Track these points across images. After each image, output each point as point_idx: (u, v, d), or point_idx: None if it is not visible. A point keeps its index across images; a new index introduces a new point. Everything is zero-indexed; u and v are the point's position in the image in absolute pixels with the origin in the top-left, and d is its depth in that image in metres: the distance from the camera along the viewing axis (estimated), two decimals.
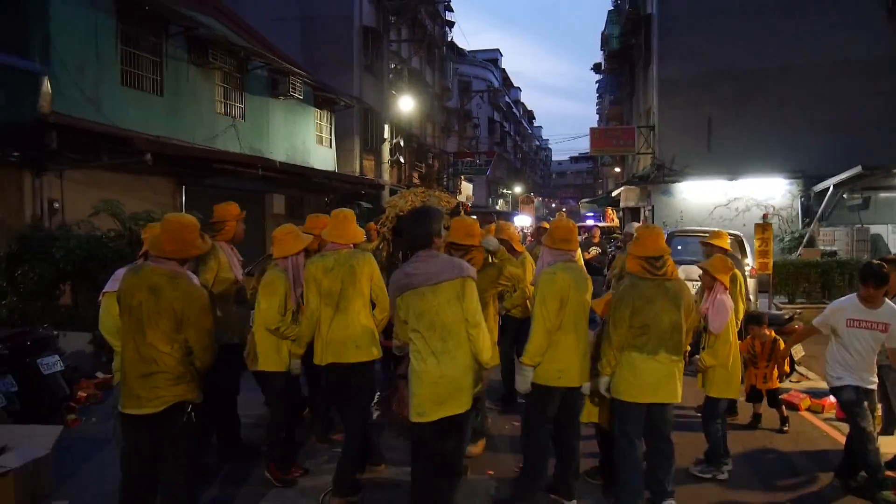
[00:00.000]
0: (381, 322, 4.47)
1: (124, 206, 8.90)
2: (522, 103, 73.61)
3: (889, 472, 4.80)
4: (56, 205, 10.12)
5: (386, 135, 23.57)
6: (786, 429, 5.89)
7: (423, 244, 3.68)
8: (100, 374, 7.30)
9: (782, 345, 6.02)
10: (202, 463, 4.67)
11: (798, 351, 7.62)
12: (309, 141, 18.58)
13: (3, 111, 9.26)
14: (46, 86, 9.77)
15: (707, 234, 6.10)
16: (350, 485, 4.31)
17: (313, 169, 16.98)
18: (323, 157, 19.34)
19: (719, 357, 4.77)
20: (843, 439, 5.65)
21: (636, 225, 6.59)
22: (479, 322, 3.57)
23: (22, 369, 5.52)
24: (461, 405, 3.52)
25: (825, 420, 6.19)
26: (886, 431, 5.42)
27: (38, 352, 5.74)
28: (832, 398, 6.51)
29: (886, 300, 4.45)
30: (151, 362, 3.29)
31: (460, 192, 33.05)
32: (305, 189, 17.04)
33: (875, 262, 4.51)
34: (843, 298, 4.73)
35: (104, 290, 4.09)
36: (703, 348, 4.94)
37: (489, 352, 3.63)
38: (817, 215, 15.49)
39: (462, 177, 35.26)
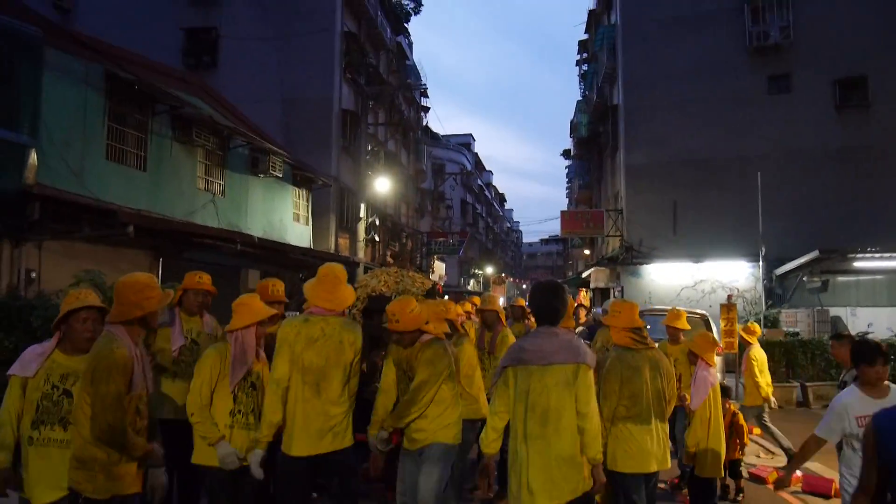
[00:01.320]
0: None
1: (105, 276, 8.94)
2: (494, 186, 75.36)
3: None
4: (33, 275, 10.12)
5: (362, 213, 23.98)
6: (740, 498, 6.06)
7: (549, 319, 3.53)
8: None
9: (741, 418, 6.25)
10: None
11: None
12: (286, 218, 18.85)
13: None
14: (33, 158, 9.94)
15: (665, 314, 6.38)
16: None
17: (290, 245, 17.18)
18: (299, 233, 19.58)
19: (698, 435, 4.84)
20: None
21: (611, 301, 6.86)
22: (590, 413, 3.37)
23: None
24: (554, 498, 3.28)
25: (792, 493, 6.34)
26: None
27: None
28: (798, 472, 6.71)
29: (891, 385, 3.71)
30: (73, 436, 3.12)
31: (433, 272, 33.38)
32: (281, 265, 17.14)
33: (867, 338, 3.73)
34: (841, 394, 3.85)
35: (9, 373, 3.44)
36: (686, 425, 5.02)
37: (597, 448, 3.42)
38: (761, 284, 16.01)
39: (435, 256, 35.67)
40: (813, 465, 7.25)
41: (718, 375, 10.57)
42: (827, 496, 6.13)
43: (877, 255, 15.20)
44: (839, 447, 5.64)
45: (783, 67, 19.70)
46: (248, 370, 3.82)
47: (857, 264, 15.75)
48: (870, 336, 13.17)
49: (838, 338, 5.82)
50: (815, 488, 6.31)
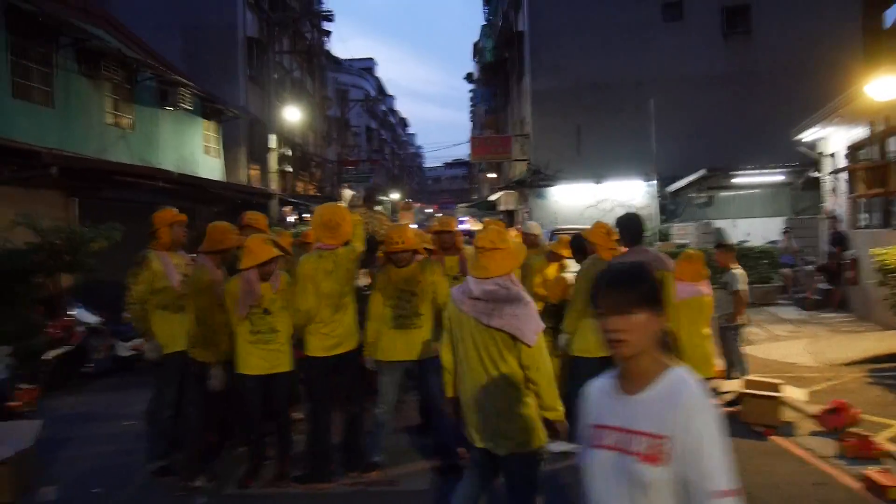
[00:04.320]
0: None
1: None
2: (397, 111, 74.90)
3: (730, 409, 6.18)
4: None
5: (272, 144, 23.75)
6: None
7: (637, 240, 4.87)
8: (24, 386, 7.44)
9: None
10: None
11: None
12: (197, 151, 18.59)
13: None
14: None
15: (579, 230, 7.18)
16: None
17: (208, 180, 17.09)
18: (211, 166, 19.36)
19: None
20: None
21: (531, 224, 7.58)
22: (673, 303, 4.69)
23: None
24: None
25: None
26: (729, 377, 6.84)
27: None
28: None
29: (673, 375, 1.65)
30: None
31: (342, 199, 33.54)
32: (197, 200, 17.04)
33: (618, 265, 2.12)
34: None
35: None
36: None
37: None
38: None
39: (346, 184, 35.73)
40: None
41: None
42: None
43: (754, 172, 16.88)
44: None
45: None
46: (258, 300, 4.54)
47: (737, 180, 17.41)
48: (747, 243, 14.85)
49: (719, 246, 6.96)
50: None
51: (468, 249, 5.81)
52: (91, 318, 8.37)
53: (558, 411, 3.17)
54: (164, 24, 20.01)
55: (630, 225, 4.96)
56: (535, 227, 7.38)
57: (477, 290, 3.17)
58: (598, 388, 1.78)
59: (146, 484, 4.80)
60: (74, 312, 8.38)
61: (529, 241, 7.02)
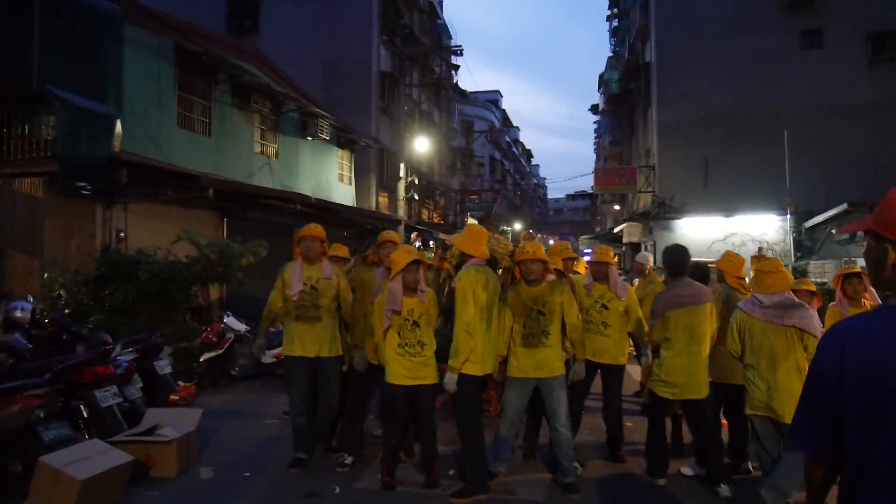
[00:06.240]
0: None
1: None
2: (521, 142, 75.46)
3: None
4: (122, 234, 11.21)
5: (401, 173, 24.80)
6: None
7: (683, 272, 5.07)
8: (180, 383, 8.30)
9: None
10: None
11: None
12: (332, 178, 19.79)
13: (83, 150, 10.39)
14: (118, 127, 10.94)
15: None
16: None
17: (341, 205, 18.14)
18: (343, 193, 20.52)
19: None
20: None
21: (646, 254, 8.23)
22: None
23: (143, 370, 6.55)
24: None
25: None
26: None
27: (154, 356, 6.77)
28: None
29: None
30: None
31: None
32: (328, 223, 18.04)
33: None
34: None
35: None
36: None
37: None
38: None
39: (468, 213, 36.47)
40: None
41: None
42: None
43: None
44: None
45: (816, 22, 19.84)
46: (408, 311, 4.80)
47: None
48: None
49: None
50: None
51: (576, 278, 6.05)
52: (239, 326, 9.21)
53: None
54: (306, 61, 21.59)
55: (677, 257, 5.12)
56: (643, 257, 8.23)
57: (767, 301, 4.41)
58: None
59: (286, 472, 5.28)
60: (224, 320, 9.25)
61: (637, 268, 7.84)
